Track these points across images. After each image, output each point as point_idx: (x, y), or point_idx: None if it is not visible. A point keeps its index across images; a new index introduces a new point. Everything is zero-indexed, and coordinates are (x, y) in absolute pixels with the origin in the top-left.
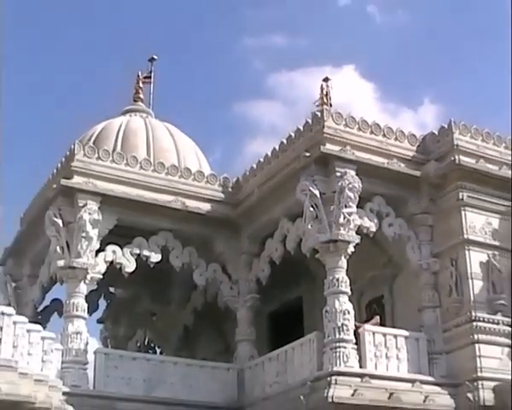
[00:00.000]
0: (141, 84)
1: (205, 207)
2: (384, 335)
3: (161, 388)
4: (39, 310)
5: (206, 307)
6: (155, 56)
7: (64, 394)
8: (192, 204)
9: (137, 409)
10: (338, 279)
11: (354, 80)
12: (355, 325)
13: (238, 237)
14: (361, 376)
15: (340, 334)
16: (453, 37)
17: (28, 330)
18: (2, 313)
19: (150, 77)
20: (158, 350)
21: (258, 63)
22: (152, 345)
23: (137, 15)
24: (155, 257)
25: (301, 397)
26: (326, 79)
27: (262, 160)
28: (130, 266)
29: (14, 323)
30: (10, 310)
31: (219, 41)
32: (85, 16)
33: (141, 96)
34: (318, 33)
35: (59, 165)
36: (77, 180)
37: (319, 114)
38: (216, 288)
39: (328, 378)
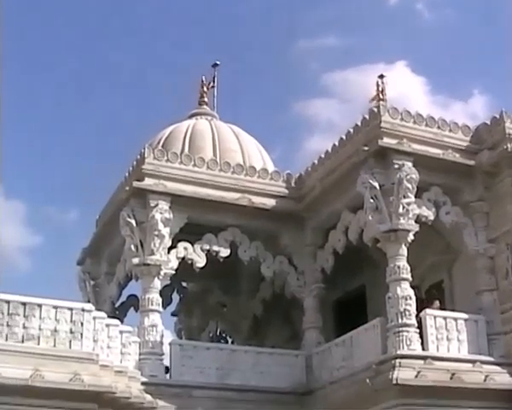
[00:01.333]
0: (205, 89)
1: (270, 202)
2: (444, 318)
3: (233, 375)
4: (117, 306)
5: (274, 298)
6: (218, 62)
7: (142, 384)
8: (258, 200)
9: (211, 396)
10: (399, 267)
11: (406, 75)
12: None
13: (302, 230)
14: (424, 358)
15: (402, 319)
16: (498, 27)
17: (107, 325)
18: (83, 310)
19: (214, 82)
20: (229, 340)
21: (314, 63)
22: (223, 335)
23: (200, 26)
24: (224, 252)
25: (367, 380)
26: (381, 76)
27: (323, 155)
28: (200, 261)
29: (94, 318)
30: (90, 306)
31: (276, 44)
32: (153, 28)
33: (205, 100)
34: (370, 32)
35: (130, 168)
36: (148, 182)
37: (376, 109)
38: (283, 279)
39: (393, 361)
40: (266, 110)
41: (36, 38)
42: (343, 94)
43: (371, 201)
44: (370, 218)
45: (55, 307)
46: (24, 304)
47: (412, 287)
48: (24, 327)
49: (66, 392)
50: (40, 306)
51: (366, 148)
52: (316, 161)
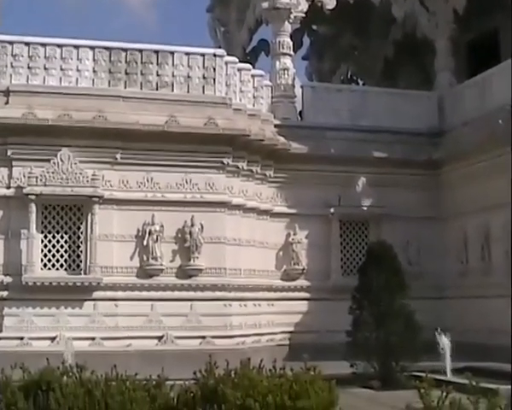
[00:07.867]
0: None
1: None
2: None
3: (366, 117)
4: (247, 51)
5: (406, 40)
6: None
7: (275, 126)
8: None
9: (344, 137)
10: None
11: None
12: None
13: None
14: None
15: None
16: None
17: (239, 69)
18: (215, 55)
19: None
20: (360, 83)
21: None
22: (355, 78)
23: None
24: None
25: (500, 121)
26: None
27: None
28: (330, 3)
29: (226, 63)
30: (222, 52)
31: None
32: None
33: None
34: None
35: None
36: None
37: None
38: (414, 20)
39: None
40: None
41: None
42: None
43: None
44: None
45: (187, 54)
46: (156, 52)
47: None
48: (157, 75)
49: (201, 136)
50: (172, 53)
51: None
52: None
